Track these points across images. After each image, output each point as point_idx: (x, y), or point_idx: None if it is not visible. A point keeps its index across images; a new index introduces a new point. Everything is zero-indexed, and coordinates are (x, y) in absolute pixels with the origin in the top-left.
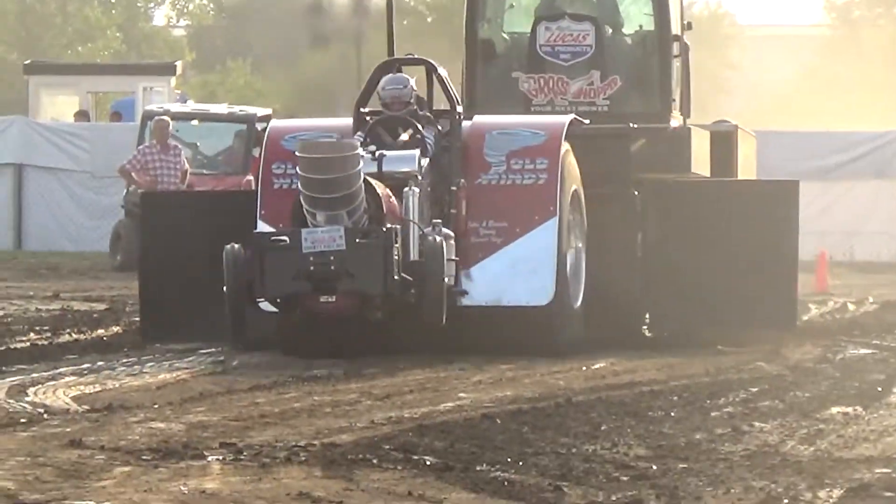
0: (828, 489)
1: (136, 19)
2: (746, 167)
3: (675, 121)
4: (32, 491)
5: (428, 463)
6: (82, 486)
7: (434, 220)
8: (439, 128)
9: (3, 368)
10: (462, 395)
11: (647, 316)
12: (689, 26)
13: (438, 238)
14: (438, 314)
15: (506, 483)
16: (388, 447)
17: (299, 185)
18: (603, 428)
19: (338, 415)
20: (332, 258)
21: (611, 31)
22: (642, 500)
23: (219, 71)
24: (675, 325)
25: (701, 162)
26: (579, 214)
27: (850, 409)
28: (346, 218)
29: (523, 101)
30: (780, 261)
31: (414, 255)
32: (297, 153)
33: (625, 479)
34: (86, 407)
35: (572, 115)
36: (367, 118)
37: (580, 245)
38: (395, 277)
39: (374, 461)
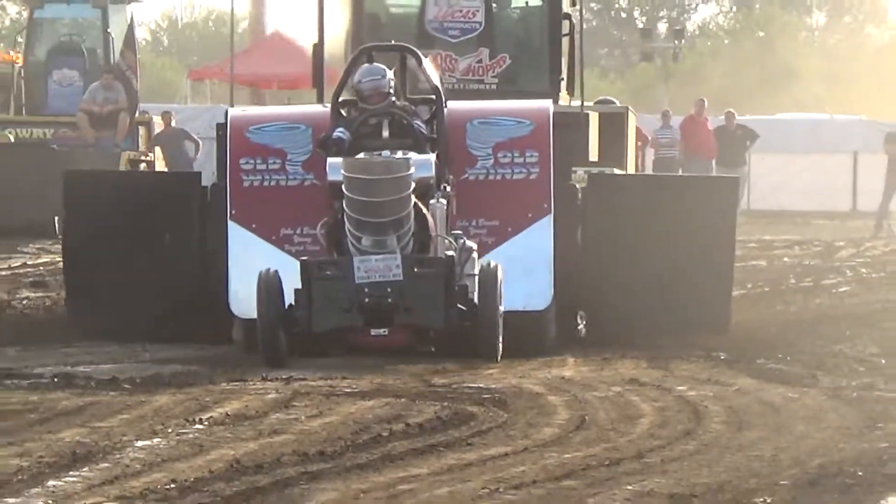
0: None
1: None
2: (630, 143)
3: (563, 100)
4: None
5: (722, 357)
6: (476, 374)
7: (454, 231)
8: (419, 120)
9: None
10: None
11: (582, 314)
12: (576, 2)
13: (494, 263)
14: (495, 351)
15: (777, 372)
16: (695, 348)
17: (344, 204)
18: (847, 333)
19: None
20: (388, 290)
21: (500, 7)
22: (874, 384)
23: None
24: (609, 325)
25: (592, 148)
26: None
27: None
28: (395, 242)
29: None
30: (715, 260)
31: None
32: (343, 172)
33: (861, 369)
34: None
35: (550, 101)
36: (343, 111)
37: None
38: (456, 310)
39: (683, 356)
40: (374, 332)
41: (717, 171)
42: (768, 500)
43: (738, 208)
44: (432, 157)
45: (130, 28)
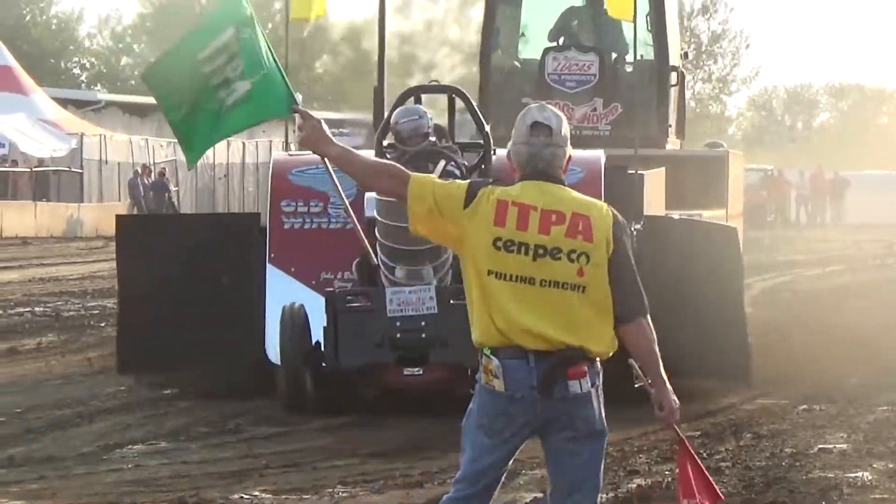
0: None
1: None
2: (735, 185)
3: (672, 145)
4: None
5: None
6: None
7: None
8: (465, 163)
9: None
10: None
11: None
12: (686, 56)
13: None
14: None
15: None
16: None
17: (377, 232)
18: None
19: None
20: (422, 324)
21: (613, 60)
22: None
23: None
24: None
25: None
26: None
27: None
28: (432, 273)
29: None
30: (727, 303)
31: None
32: (377, 197)
33: None
34: None
35: (602, 150)
36: (387, 152)
37: None
38: None
39: None
40: (406, 371)
41: (830, 203)
42: None
43: (739, 250)
44: None
45: None
